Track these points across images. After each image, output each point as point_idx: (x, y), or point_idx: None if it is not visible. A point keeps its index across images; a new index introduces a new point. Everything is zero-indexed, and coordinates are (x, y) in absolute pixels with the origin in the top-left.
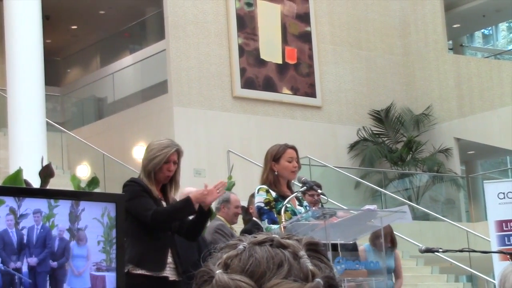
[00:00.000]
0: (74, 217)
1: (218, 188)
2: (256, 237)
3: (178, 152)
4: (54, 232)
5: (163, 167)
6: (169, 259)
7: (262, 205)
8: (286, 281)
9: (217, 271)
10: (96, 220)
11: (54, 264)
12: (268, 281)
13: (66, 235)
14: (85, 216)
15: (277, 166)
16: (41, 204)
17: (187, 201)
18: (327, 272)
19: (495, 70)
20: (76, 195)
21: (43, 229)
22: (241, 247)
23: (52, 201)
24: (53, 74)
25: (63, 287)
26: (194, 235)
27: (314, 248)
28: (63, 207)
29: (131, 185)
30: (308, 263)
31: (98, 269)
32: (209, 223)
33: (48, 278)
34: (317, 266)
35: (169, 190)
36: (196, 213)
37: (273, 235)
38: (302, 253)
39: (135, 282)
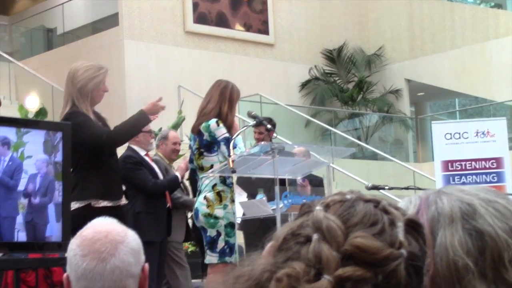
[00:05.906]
0: (50, 148)
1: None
2: (365, 195)
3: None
4: (28, 166)
5: (100, 87)
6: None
7: (228, 135)
8: (371, 237)
9: (317, 207)
10: None
11: (30, 208)
12: (356, 231)
13: (48, 170)
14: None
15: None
16: (6, 131)
17: (141, 113)
18: (415, 249)
19: (447, 13)
20: (21, 123)
21: (11, 161)
22: (348, 196)
23: (22, 128)
24: (0, 2)
25: (44, 236)
26: None
27: (414, 226)
28: (35, 134)
29: (74, 116)
30: (400, 234)
31: None
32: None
33: (20, 227)
34: (408, 240)
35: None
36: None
37: (382, 200)
38: (400, 224)
39: (98, 216)
